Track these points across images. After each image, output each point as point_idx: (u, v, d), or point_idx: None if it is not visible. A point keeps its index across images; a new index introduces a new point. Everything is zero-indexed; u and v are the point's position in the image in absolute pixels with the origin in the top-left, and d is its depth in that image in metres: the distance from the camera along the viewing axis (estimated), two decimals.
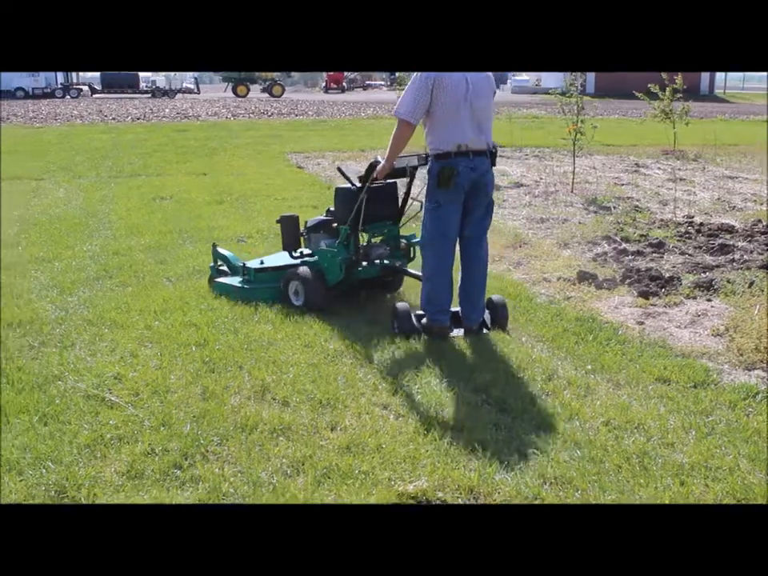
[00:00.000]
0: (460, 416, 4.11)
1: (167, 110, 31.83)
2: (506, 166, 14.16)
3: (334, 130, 22.01)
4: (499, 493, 3.42)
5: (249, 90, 47.65)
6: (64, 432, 3.96)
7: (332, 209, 6.07)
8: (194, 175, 13.26)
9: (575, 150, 12.19)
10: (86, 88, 48.90)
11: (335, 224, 5.88)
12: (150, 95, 46.60)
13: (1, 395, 4.33)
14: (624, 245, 8.03)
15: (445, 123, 5.02)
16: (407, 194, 6.00)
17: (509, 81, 59.92)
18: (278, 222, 6.18)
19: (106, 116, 28.88)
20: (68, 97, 44.28)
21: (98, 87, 48.59)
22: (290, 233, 6.10)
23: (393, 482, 3.50)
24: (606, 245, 8.09)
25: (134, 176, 13.32)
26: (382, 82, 60.92)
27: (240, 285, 6.10)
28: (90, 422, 4.06)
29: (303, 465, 3.64)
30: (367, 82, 60.36)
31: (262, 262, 6.29)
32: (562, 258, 7.57)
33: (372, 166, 5.45)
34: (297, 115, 28.92)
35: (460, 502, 3.37)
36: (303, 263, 5.92)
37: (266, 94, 47.18)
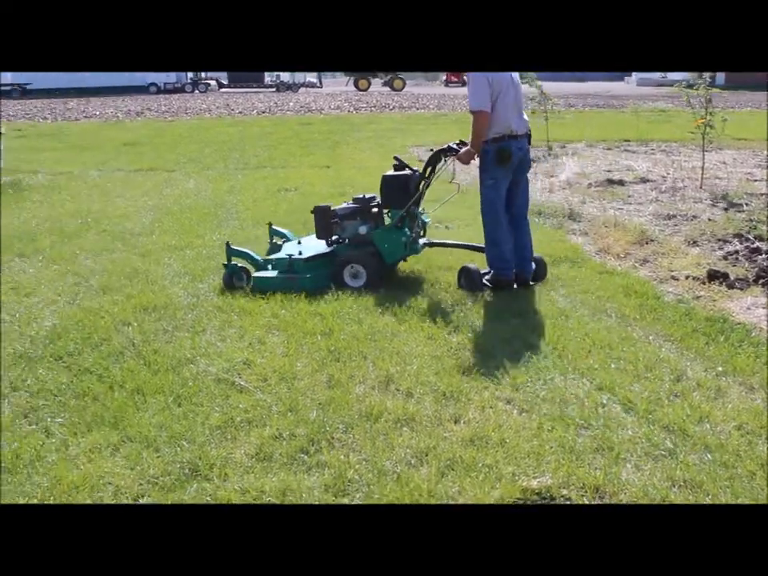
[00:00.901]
0: (585, 414, 4.05)
1: (291, 104, 32.45)
2: (632, 160, 13.81)
3: (455, 123, 21.90)
4: (625, 493, 3.35)
5: (370, 83, 47.99)
6: (197, 413, 4.11)
7: (359, 196, 6.59)
8: (317, 168, 13.48)
9: (704, 145, 11.77)
10: (213, 83, 50.32)
11: (378, 209, 6.50)
12: (274, 89, 47.58)
13: (127, 376, 4.53)
14: (757, 243, 7.71)
15: (498, 112, 5.89)
16: (429, 180, 6.43)
17: (633, 73, 58.15)
18: (312, 212, 6.56)
19: (232, 110, 29.68)
20: (197, 91, 45.71)
21: (224, 82, 49.91)
22: (325, 222, 6.44)
23: (517, 477, 3.48)
24: (737, 243, 7.79)
25: (260, 168, 13.65)
26: None
27: (286, 276, 6.16)
28: (220, 404, 4.21)
29: (427, 456, 3.66)
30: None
31: (300, 253, 6.36)
32: (691, 255, 7.33)
33: (438, 154, 6.27)
34: (418, 109, 28.99)
35: (585, 500, 3.32)
36: (356, 247, 6.36)
37: (387, 88, 47.40)
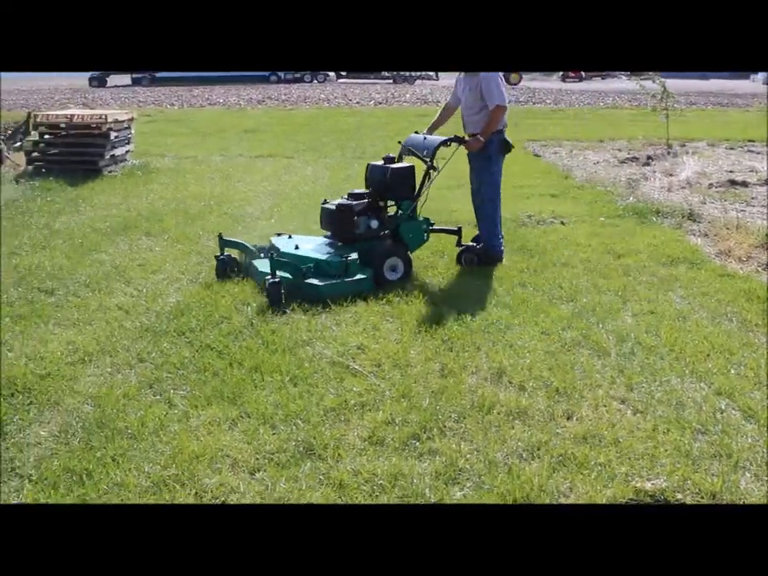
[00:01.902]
0: (702, 418, 3.92)
1: (407, 96, 32.47)
2: (756, 161, 13.26)
3: (572, 119, 21.53)
4: (744, 502, 3.24)
5: None
6: (312, 394, 4.18)
7: (355, 192, 6.47)
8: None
9: None
10: (332, 74, 50.82)
11: (384, 202, 6.49)
12: (391, 81, 47.70)
13: (246, 354, 4.64)
14: None
15: None
16: (438, 169, 6.60)
17: (759, 72, 55.93)
18: (337, 211, 6.33)
19: (350, 100, 29.93)
20: (315, 81, 46.25)
21: (342, 72, 50.35)
22: (350, 220, 6.24)
23: (630, 478, 3.41)
24: None
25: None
26: (621, 72, 58.74)
27: (346, 280, 5.85)
28: (335, 386, 4.26)
29: (539, 450, 3.62)
30: (606, 72, 58.46)
31: (342, 254, 6.12)
32: None
33: (444, 143, 6.49)
34: (534, 103, 28.56)
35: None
36: (386, 238, 6.34)
37: (504, 83, 46.90)
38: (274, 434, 3.78)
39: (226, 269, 6.29)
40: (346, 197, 6.40)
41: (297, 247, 6.27)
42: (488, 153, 6.57)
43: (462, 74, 6.76)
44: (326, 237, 6.55)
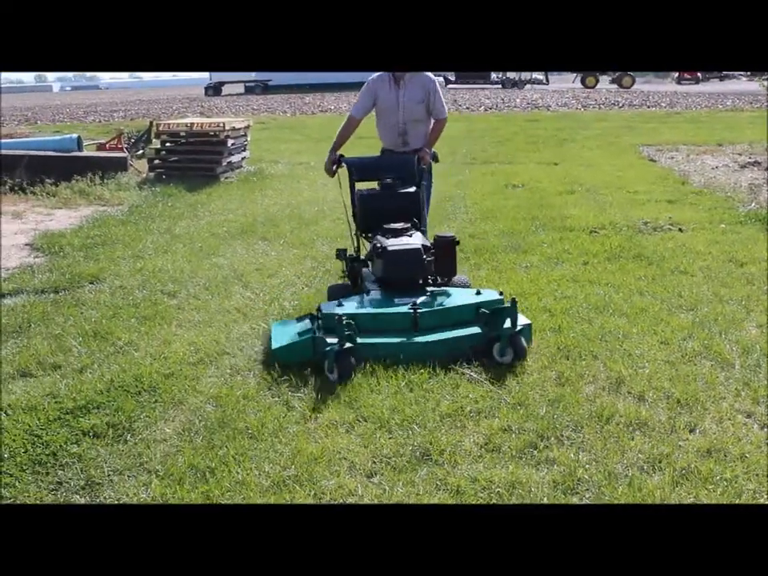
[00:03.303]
0: None
1: (518, 101, 32.23)
2: None
3: (689, 122, 20.95)
4: None
5: (598, 81, 46.69)
6: (427, 399, 4.18)
7: (392, 226, 5.31)
8: (544, 164, 13.32)
9: None
10: (441, 79, 50.97)
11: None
12: (500, 86, 47.44)
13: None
14: None
15: None
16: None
17: None
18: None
19: (460, 105, 29.90)
20: None
21: (452, 78, 50.39)
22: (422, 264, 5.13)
23: (758, 495, 3.28)
24: None
25: (487, 163, 13.68)
26: (742, 72, 56.72)
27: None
28: (450, 392, 4.25)
29: (660, 462, 3.53)
30: (724, 73, 56.57)
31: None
32: None
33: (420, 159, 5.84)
34: (648, 106, 27.92)
35: None
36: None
37: (615, 85, 45.98)
38: (390, 438, 3.81)
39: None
40: (390, 234, 5.24)
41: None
42: (429, 165, 6.04)
43: (386, 81, 5.89)
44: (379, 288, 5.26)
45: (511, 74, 48.82)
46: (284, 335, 4.84)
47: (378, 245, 5.11)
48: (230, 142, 11.94)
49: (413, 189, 5.57)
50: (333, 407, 4.14)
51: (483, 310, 4.82)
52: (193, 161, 11.81)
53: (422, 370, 4.50)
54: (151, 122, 14.05)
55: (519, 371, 4.48)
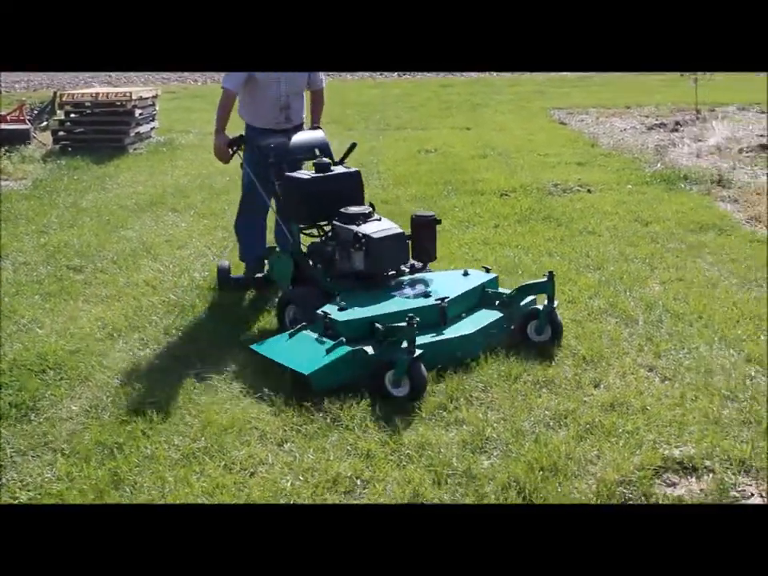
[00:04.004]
0: (731, 385, 3.90)
1: (323, 74, 32.12)
2: None
3: (599, 86, 21.24)
4: None
5: None
6: None
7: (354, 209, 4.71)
8: (457, 129, 13.36)
9: None
10: None
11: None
12: None
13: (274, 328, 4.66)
14: None
15: None
16: None
17: None
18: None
19: (373, 73, 29.71)
20: None
21: None
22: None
23: (658, 445, 3.40)
24: None
25: (400, 129, 13.65)
26: None
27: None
28: None
29: (566, 418, 3.63)
30: None
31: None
32: None
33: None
34: (560, 72, 28.24)
35: (729, 473, 3.20)
36: None
37: None
38: (301, 406, 3.81)
39: None
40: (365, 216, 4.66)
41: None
42: None
43: None
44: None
45: None
46: (301, 356, 4.04)
47: (359, 234, 4.43)
48: (137, 112, 11.61)
49: (354, 169, 4.98)
50: (243, 378, 4.11)
51: (494, 290, 4.66)
52: (99, 132, 11.45)
53: None
54: (55, 93, 13.55)
55: None
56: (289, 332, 4.24)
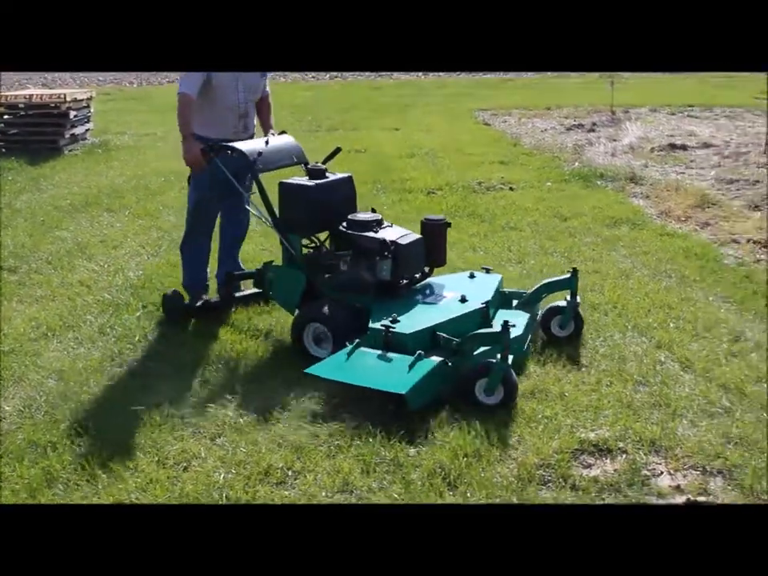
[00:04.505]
0: (643, 370, 3.98)
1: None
2: (695, 126, 13.38)
3: (521, 88, 21.51)
4: (681, 447, 3.30)
5: None
6: (269, 363, 4.15)
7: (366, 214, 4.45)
8: (387, 130, 13.36)
9: None
10: None
11: None
12: None
13: (204, 327, 4.60)
14: None
15: None
16: None
17: None
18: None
19: (306, 73, 29.53)
20: None
21: None
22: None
23: (575, 429, 3.45)
24: None
25: (332, 130, 13.59)
26: None
27: None
28: (294, 357, 4.24)
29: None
30: None
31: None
32: (753, 220, 7.09)
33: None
34: (484, 74, 28.46)
35: (641, 453, 3.26)
36: None
37: None
38: (234, 401, 3.76)
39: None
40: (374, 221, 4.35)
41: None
42: None
43: None
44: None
45: None
46: (380, 375, 3.62)
47: (386, 241, 4.12)
48: (72, 113, 11.33)
49: (347, 174, 4.61)
50: (178, 375, 4.05)
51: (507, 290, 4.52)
52: (34, 133, 11.13)
53: (261, 339, 4.47)
54: None
55: None
56: (345, 351, 3.73)
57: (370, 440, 3.36)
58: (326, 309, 4.09)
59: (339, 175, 4.51)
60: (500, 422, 3.50)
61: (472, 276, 4.56)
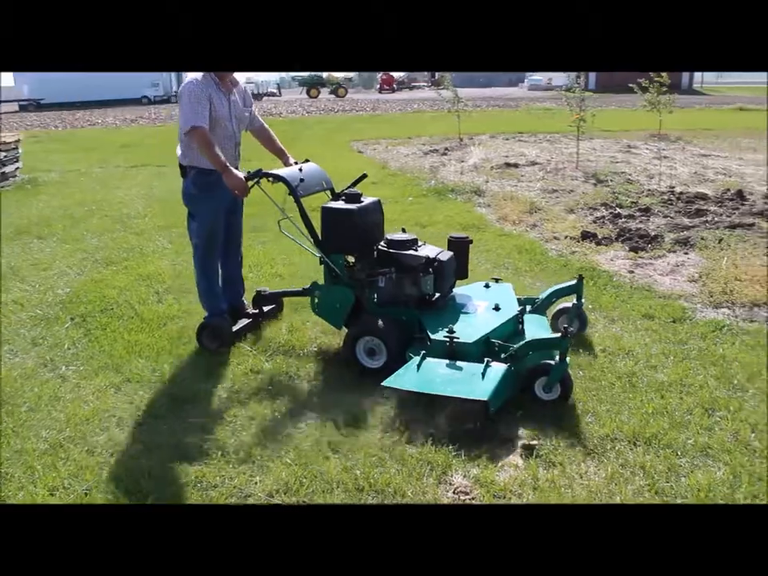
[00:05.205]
0: None
1: (255, 110, 31.61)
2: (524, 148, 13.87)
3: (387, 122, 21.72)
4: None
5: (319, 92, 46.81)
6: (183, 357, 4.05)
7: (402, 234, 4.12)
8: (275, 160, 13.20)
9: (579, 135, 11.89)
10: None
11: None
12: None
13: (126, 331, 4.45)
14: (618, 210, 7.84)
15: None
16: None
17: (526, 80, 57.81)
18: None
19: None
20: None
21: None
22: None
23: None
24: (603, 210, 7.91)
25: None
26: (424, 83, 59.58)
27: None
28: (203, 351, 4.15)
29: None
30: (412, 84, 59.13)
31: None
32: (569, 220, 7.42)
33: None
34: (357, 111, 28.59)
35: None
36: None
37: (333, 95, 46.48)
38: (151, 392, 3.65)
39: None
40: (406, 237, 4.05)
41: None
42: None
43: (213, 84, 3.96)
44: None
45: (251, 88, 47.85)
46: (457, 383, 3.27)
47: (431, 258, 3.84)
48: (1, 154, 10.72)
49: (377, 198, 4.22)
50: (102, 374, 3.90)
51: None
52: None
53: (176, 336, 4.35)
54: None
55: (271, 329, 4.46)
56: (414, 363, 3.41)
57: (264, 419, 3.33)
58: (380, 323, 3.75)
59: (371, 199, 4.13)
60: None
61: (487, 286, 4.29)
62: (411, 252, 3.91)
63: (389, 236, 4.04)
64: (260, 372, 3.83)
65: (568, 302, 4.27)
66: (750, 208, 7.80)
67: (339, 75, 47.19)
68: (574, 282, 4.28)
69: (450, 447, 3.03)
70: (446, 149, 13.78)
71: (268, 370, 3.85)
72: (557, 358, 3.35)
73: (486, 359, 3.35)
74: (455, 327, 3.58)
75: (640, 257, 5.99)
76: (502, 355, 3.49)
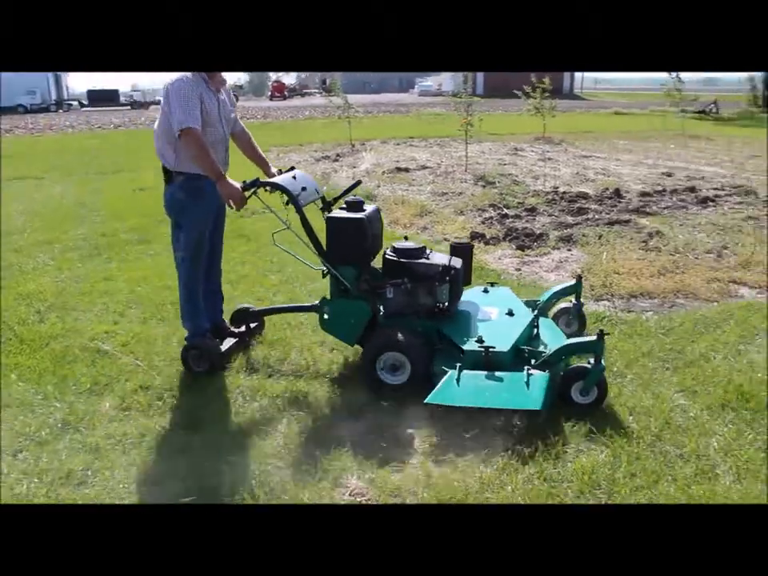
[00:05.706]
0: None
1: (143, 119, 30.73)
2: (415, 152, 14.15)
3: (278, 129, 21.59)
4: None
5: None
6: (67, 377, 3.88)
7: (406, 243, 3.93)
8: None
9: (467, 139, 12.25)
10: (75, 103, 46.89)
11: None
12: (129, 107, 44.86)
13: (6, 354, 4.22)
14: (505, 210, 8.13)
15: None
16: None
17: (416, 85, 58.92)
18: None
19: (92, 125, 27.76)
20: (61, 111, 42.40)
21: (85, 102, 46.64)
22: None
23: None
24: (492, 211, 8.18)
25: (117, 172, 12.90)
26: (316, 90, 59.65)
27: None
28: (88, 368, 3.99)
29: (258, 392, 3.65)
30: (304, 91, 59.06)
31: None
32: (459, 222, 7.63)
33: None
34: (248, 119, 28.25)
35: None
36: None
37: None
38: (34, 416, 3.47)
39: None
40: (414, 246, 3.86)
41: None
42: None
43: (203, 84, 3.63)
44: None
45: (138, 97, 46.48)
46: (504, 394, 3.17)
47: (448, 266, 3.67)
48: None
49: (377, 206, 4.06)
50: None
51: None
52: None
53: (61, 354, 4.16)
54: None
55: (149, 339, 4.33)
56: (452, 377, 3.24)
57: (160, 434, 3.24)
58: (400, 336, 3.51)
59: (373, 207, 3.94)
60: (272, 404, 3.50)
61: (486, 291, 4.20)
62: (425, 261, 3.73)
63: (395, 244, 3.85)
64: (149, 388, 3.72)
65: (567, 303, 4.30)
66: (626, 205, 8.28)
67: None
68: (573, 282, 4.28)
69: (345, 450, 3.06)
70: (338, 155, 13.86)
71: (158, 385, 3.74)
72: (592, 360, 3.30)
73: (525, 367, 3.26)
74: (485, 336, 3.45)
75: (527, 254, 6.24)
76: (533, 361, 3.41)
